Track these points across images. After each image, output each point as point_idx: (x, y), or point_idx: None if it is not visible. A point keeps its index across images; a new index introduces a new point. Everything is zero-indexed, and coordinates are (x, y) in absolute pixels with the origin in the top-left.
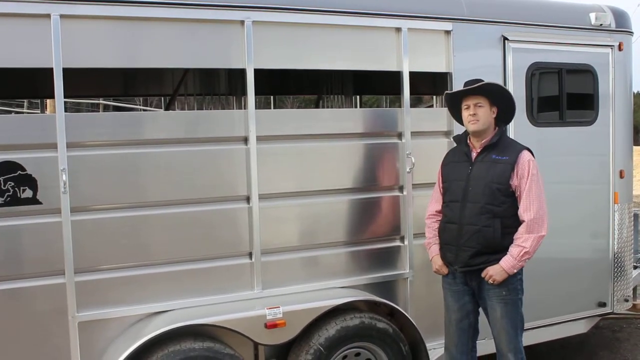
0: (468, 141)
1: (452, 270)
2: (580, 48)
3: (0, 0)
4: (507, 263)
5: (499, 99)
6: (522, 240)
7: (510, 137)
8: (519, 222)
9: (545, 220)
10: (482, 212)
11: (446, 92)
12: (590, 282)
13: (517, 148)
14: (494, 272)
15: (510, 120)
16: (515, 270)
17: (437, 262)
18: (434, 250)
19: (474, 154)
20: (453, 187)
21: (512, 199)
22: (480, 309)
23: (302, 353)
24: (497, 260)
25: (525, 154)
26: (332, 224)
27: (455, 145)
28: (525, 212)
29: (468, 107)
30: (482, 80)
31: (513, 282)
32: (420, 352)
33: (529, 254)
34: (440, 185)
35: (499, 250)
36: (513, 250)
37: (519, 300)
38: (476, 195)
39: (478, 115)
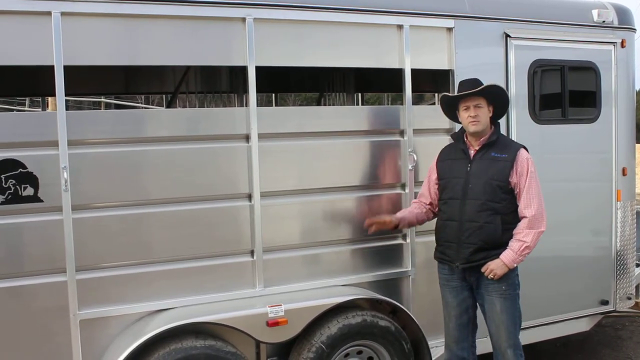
0: (465, 139)
1: (453, 268)
2: (582, 45)
3: None
4: (507, 257)
5: (495, 98)
6: (523, 235)
7: (510, 134)
8: (517, 219)
9: (544, 216)
10: (483, 209)
11: (444, 94)
12: (593, 280)
13: (514, 146)
14: (495, 267)
15: (501, 117)
16: (515, 265)
17: (381, 218)
18: (398, 214)
19: (472, 152)
20: (452, 184)
21: (510, 196)
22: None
23: (303, 351)
24: (496, 255)
25: (523, 152)
26: (334, 221)
27: (450, 142)
28: (526, 208)
29: (467, 109)
30: (479, 80)
31: (511, 277)
32: (422, 349)
33: (529, 249)
34: (436, 182)
35: (499, 245)
36: (514, 244)
37: (517, 295)
38: (477, 193)
39: (479, 117)
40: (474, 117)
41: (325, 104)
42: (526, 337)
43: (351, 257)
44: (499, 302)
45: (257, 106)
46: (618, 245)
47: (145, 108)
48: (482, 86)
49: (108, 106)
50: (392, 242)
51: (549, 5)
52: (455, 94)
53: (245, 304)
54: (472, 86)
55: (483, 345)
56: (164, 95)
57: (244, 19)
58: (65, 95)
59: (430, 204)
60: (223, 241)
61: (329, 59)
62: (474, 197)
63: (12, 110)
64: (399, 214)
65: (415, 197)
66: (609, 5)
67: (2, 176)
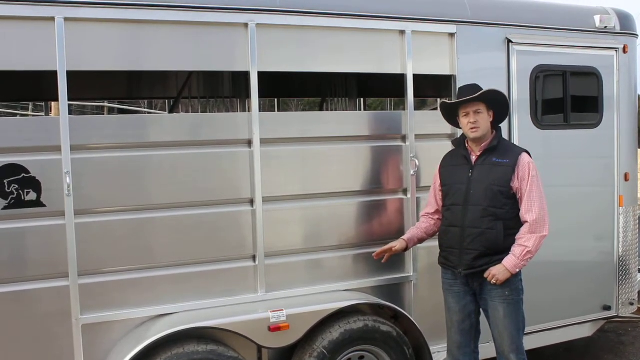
0: (466, 145)
1: (456, 273)
2: (584, 51)
3: (5, 3)
4: (509, 262)
5: (495, 102)
6: (525, 240)
7: (513, 139)
8: (520, 224)
9: (546, 220)
10: (484, 215)
11: (443, 101)
12: (595, 286)
13: (516, 151)
14: (497, 272)
15: (502, 122)
16: (517, 270)
17: (392, 245)
18: (405, 236)
19: (473, 157)
20: (454, 190)
21: (513, 201)
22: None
23: (305, 356)
24: (499, 261)
25: (525, 157)
26: (336, 226)
27: (452, 148)
28: (527, 213)
29: (467, 115)
30: (478, 86)
31: (515, 282)
32: (424, 355)
33: (531, 254)
34: (439, 188)
35: (502, 251)
36: (516, 249)
37: (520, 300)
38: (478, 198)
39: (479, 123)
40: (474, 123)
41: (327, 109)
42: (529, 343)
43: (353, 262)
44: (503, 307)
45: (260, 111)
46: (620, 251)
47: (148, 113)
48: (481, 92)
49: (111, 111)
50: None
51: (550, 11)
52: (455, 100)
53: (247, 309)
54: (471, 92)
55: (486, 350)
56: (166, 100)
57: (246, 25)
58: (69, 100)
59: (437, 211)
60: (225, 246)
61: (332, 64)
62: (476, 203)
63: (15, 115)
64: (407, 235)
65: (417, 203)
66: (611, 11)
67: (5, 181)
